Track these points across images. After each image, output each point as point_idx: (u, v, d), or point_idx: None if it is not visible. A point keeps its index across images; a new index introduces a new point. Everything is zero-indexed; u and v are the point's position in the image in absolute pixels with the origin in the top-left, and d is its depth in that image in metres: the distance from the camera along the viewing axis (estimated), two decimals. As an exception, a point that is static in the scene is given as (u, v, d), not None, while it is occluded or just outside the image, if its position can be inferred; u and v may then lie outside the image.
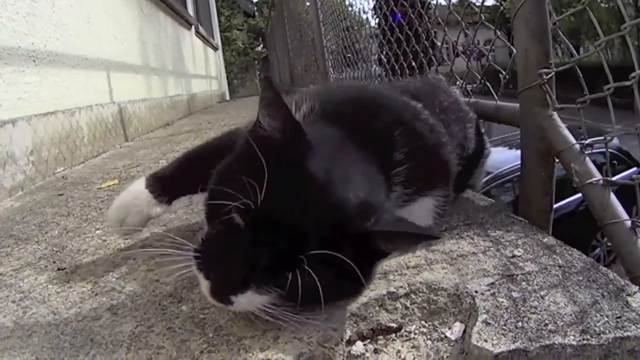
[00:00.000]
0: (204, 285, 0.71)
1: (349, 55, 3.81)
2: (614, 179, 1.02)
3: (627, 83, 0.93)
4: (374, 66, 3.32)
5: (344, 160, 0.80)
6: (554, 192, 1.18)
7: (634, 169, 5.16)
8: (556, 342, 0.66)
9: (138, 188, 1.12)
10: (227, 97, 12.07)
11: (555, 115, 1.14)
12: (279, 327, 0.71)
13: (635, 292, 0.77)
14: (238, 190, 0.69)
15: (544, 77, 1.13)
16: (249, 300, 0.69)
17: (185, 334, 0.73)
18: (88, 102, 3.12)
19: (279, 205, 0.68)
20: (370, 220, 0.72)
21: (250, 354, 0.67)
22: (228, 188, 0.70)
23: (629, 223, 0.96)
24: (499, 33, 1.46)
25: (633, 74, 0.91)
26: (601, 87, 0.99)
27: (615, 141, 5.40)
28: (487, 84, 1.63)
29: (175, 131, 4.14)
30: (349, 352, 0.71)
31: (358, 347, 0.72)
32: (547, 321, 0.70)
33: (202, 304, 0.82)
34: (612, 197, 1.01)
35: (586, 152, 1.07)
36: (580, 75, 1.10)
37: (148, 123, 4.30)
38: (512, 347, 0.65)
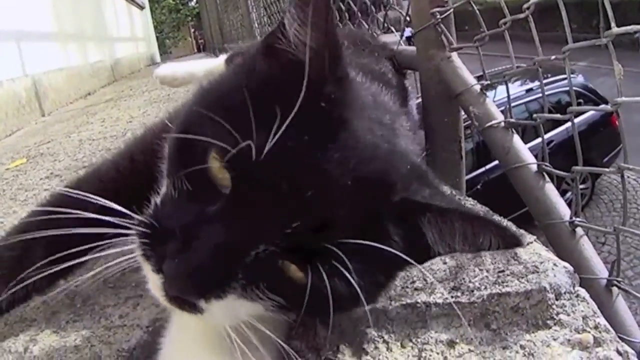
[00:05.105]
0: (154, 281, 0.47)
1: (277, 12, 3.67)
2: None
3: (521, 16, 0.88)
4: None
5: (387, 109, 0.59)
6: (462, 139, 1.13)
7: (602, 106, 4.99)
8: (419, 300, 0.61)
9: None
10: (158, 59, 11.61)
11: (454, 56, 1.09)
12: (141, 295, 0.71)
13: (530, 243, 0.71)
14: (229, 125, 0.44)
15: (438, 16, 1.08)
16: (227, 310, 0.46)
17: (56, 306, 0.74)
18: (-3, 77, 2.94)
19: (301, 158, 0.44)
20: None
21: (110, 321, 0.69)
22: (213, 120, 0.45)
23: (534, 166, 0.90)
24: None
25: (526, 5, 0.87)
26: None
27: (580, 78, 5.12)
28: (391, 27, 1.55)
29: (95, 101, 3.96)
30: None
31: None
32: (414, 278, 0.65)
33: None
34: (516, 139, 0.95)
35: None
36: (477, 12, 1.03)
37: (67, 94, 4.09)
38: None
